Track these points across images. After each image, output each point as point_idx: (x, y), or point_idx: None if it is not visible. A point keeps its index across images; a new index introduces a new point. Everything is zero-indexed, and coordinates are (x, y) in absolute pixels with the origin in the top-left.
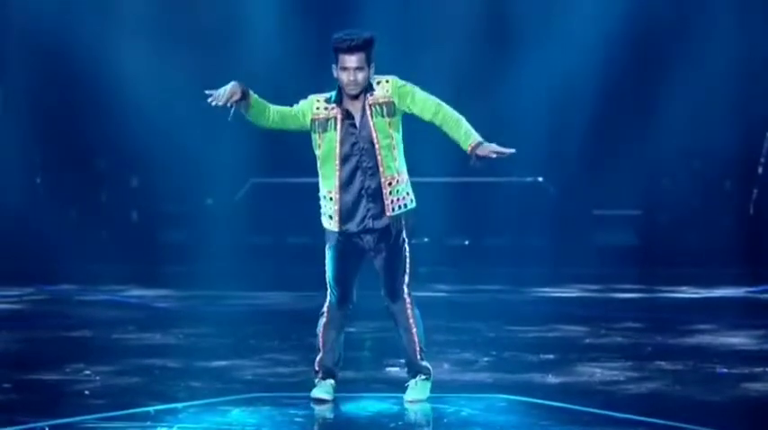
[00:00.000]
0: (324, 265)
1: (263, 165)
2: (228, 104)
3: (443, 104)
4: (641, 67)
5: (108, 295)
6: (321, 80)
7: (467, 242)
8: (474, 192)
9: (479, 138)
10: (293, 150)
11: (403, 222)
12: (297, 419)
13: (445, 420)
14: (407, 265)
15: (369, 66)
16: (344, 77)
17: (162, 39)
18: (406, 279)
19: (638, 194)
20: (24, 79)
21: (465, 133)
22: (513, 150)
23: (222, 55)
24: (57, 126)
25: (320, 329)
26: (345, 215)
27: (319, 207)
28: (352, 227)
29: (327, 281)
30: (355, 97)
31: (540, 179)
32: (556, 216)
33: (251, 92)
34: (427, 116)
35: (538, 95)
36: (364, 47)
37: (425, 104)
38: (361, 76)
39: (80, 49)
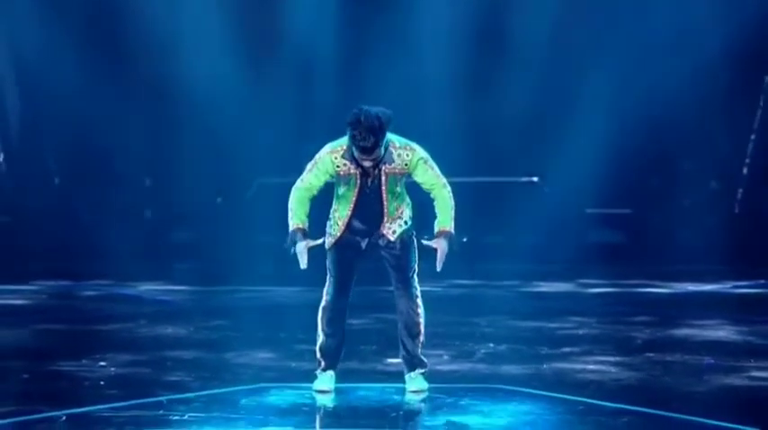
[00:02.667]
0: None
1: (271, 166)
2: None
3: (444, 188)
4: (632, 73)
5: (122, 290)
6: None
7: (465, 239)
8: (473, 192)
9: (447, 229)
10: (299, 153)
11: (406, 233)
12: (303, 409)
13: (445, 409)
14: (416, 255)
15: (383, 143)
16: (360, 161)
17: (171, 44)
18: (415, 266)
19: (628, 194)
20: (43, 86)
21: (443, 219)
22: (438, 268)
23: (232, 60)
24: (74, 131)
25: (321, 313)
26: (347, 235)
27: (328, 219)
28: (353, 241)
29: (328, 268)
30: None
31: (536, 179)
32: (550, 214)
33: (305, 230)
34: (427, 190)
35: (535, 103)
36: (378, 143)
37: (431, 183)
38: (376, 161)
39: (94, 56)
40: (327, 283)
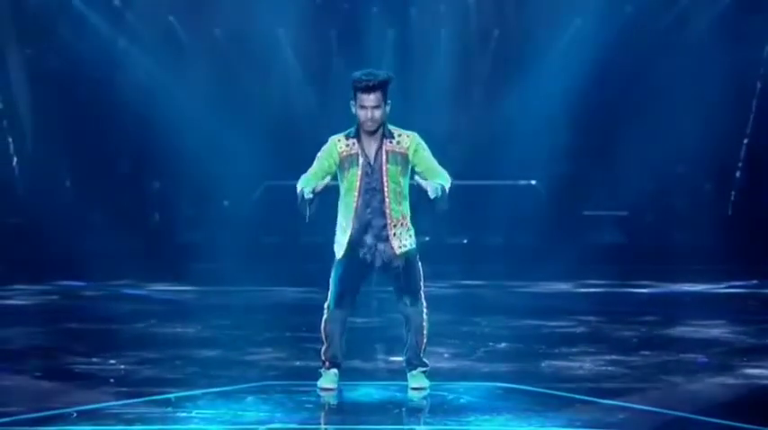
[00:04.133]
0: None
1: (276, 169)
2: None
3: (441, 174)
4: (629, 79)
5: (132, 290)
6: (331, 97)
7: (465, 241)
8: (473, 195)
9: (441, 183)
10: (304, 154)
11: (411, 253)
12: (307, 406)
13: (445, 406)
14: (421, 272)
15: (385, 104)
16: (362, 115)
17: (181, 51)
18: (422, 283)
19: (625, 197)
20: (55, 93)
21: (439, 180)
22: (431, 195)
23: (238, 65)
24: (85, 135)
25: (323, 324)
26: (354, 244)
27: (334, 233)
28: (359, 254)
29: (330, 285)
30: (372, 134)
31: (534, 182)
32: (548, 217)
33: (314, 188)
34: (425, 176)
35: (533, 108)
36: (381, 86)
37: (428, 166)
38: (378, 113)
39: (106, 62)
40: (329, 297)
